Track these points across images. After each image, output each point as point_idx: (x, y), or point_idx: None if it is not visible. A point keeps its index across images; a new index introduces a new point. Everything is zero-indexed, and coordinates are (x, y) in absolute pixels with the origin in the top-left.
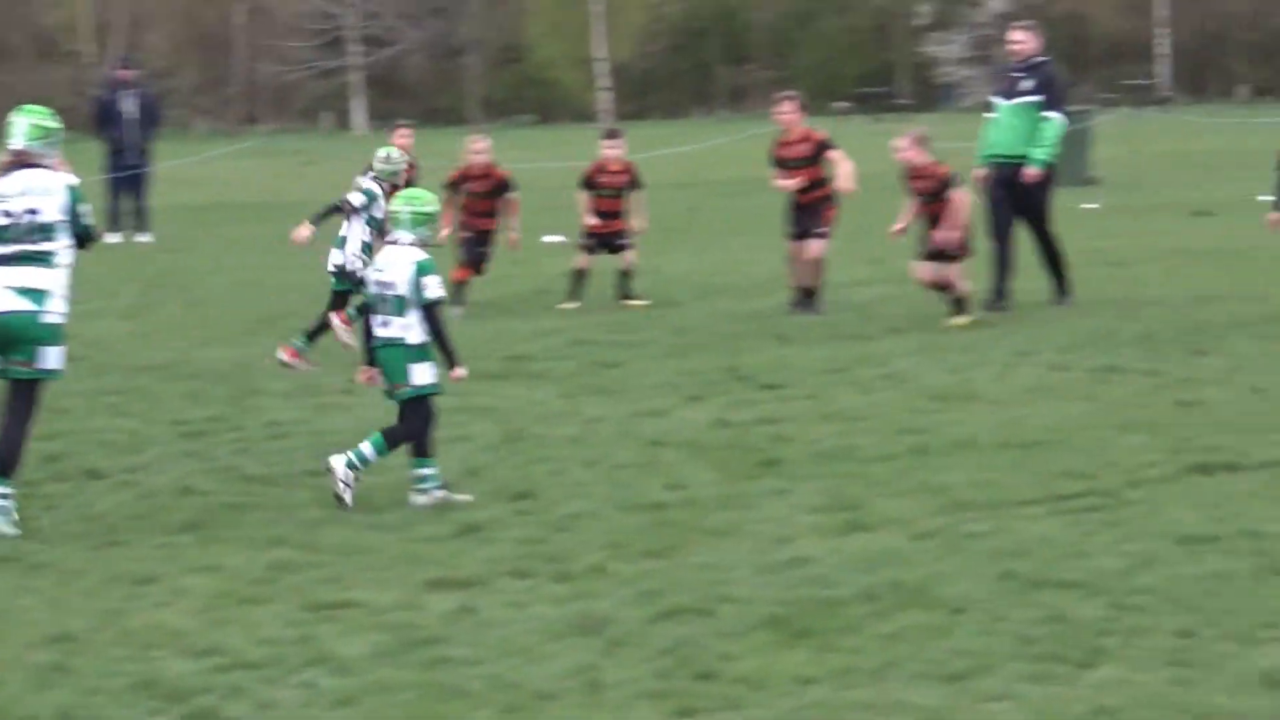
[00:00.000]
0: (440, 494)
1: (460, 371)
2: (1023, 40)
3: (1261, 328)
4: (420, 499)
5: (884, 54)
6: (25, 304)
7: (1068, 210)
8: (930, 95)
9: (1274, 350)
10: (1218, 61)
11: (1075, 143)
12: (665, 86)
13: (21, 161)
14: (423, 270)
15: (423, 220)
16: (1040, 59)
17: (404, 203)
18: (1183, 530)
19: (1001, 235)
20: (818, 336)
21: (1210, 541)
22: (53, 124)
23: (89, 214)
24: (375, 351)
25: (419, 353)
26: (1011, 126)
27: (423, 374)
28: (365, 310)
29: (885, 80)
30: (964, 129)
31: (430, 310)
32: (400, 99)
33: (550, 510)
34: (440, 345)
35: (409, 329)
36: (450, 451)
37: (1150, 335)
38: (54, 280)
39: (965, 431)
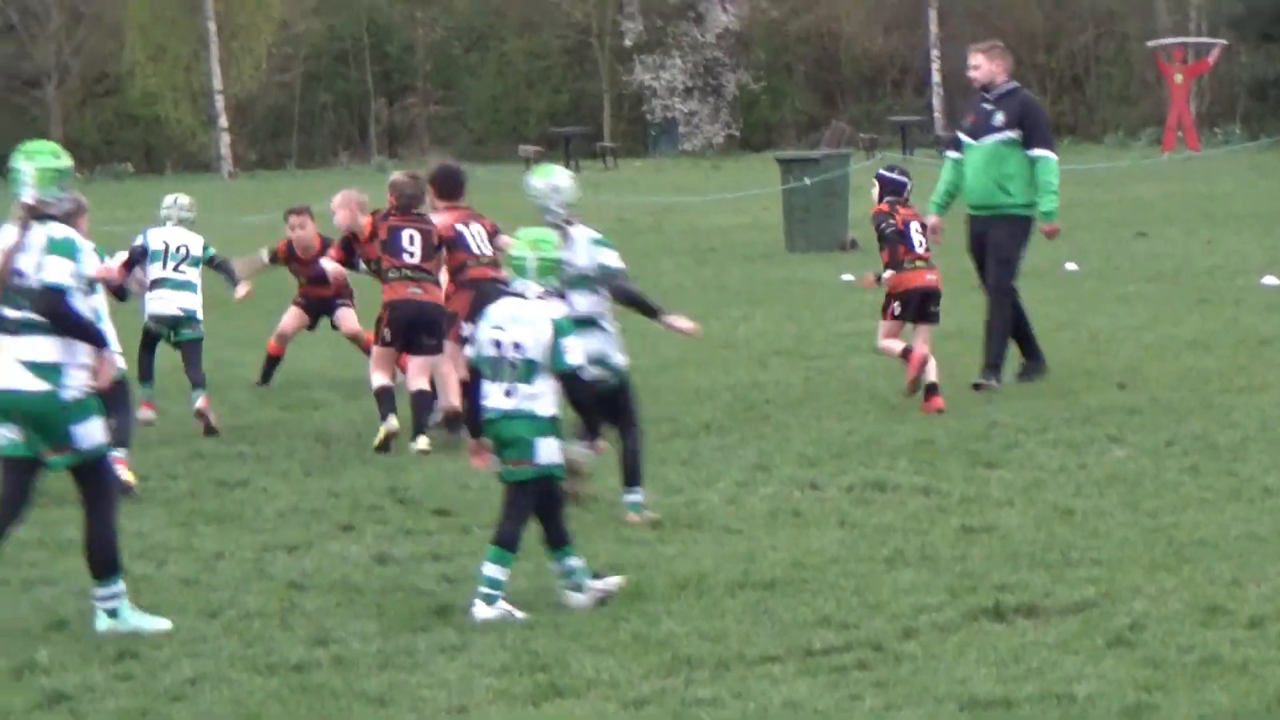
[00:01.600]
0: (604, 583)
1: (602, 444)
2: (978, 65)
3: (1064, 430)
4: (579, 598)
5: (582, 83)
6: (39, 382)
7: (820, 285)
8: (642, 134)
9: (1079, 460)
10: None
11: (828, 196)
12: (303, 126)
13: (36, 215)
14: (562, 331)
15: (551, 268)
16: (1010, 86)
17: (528, 248)
18: (971, 692)
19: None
20: None
21: (1005, 707)
22: (63, 163)
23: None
24: (491, 424)
25: (549, 426)
26: (984, 170)
27: (550, 451)
28: (474, 375)
29: (585, 117)
30: (682, 178)
31: (571, 378)
32: None
33: (160, 674)
34: (583, 416)
35: (538, 399)
36: (26, 599)
37: (924, 442)
38: (68, 350)
39: (689, 568)
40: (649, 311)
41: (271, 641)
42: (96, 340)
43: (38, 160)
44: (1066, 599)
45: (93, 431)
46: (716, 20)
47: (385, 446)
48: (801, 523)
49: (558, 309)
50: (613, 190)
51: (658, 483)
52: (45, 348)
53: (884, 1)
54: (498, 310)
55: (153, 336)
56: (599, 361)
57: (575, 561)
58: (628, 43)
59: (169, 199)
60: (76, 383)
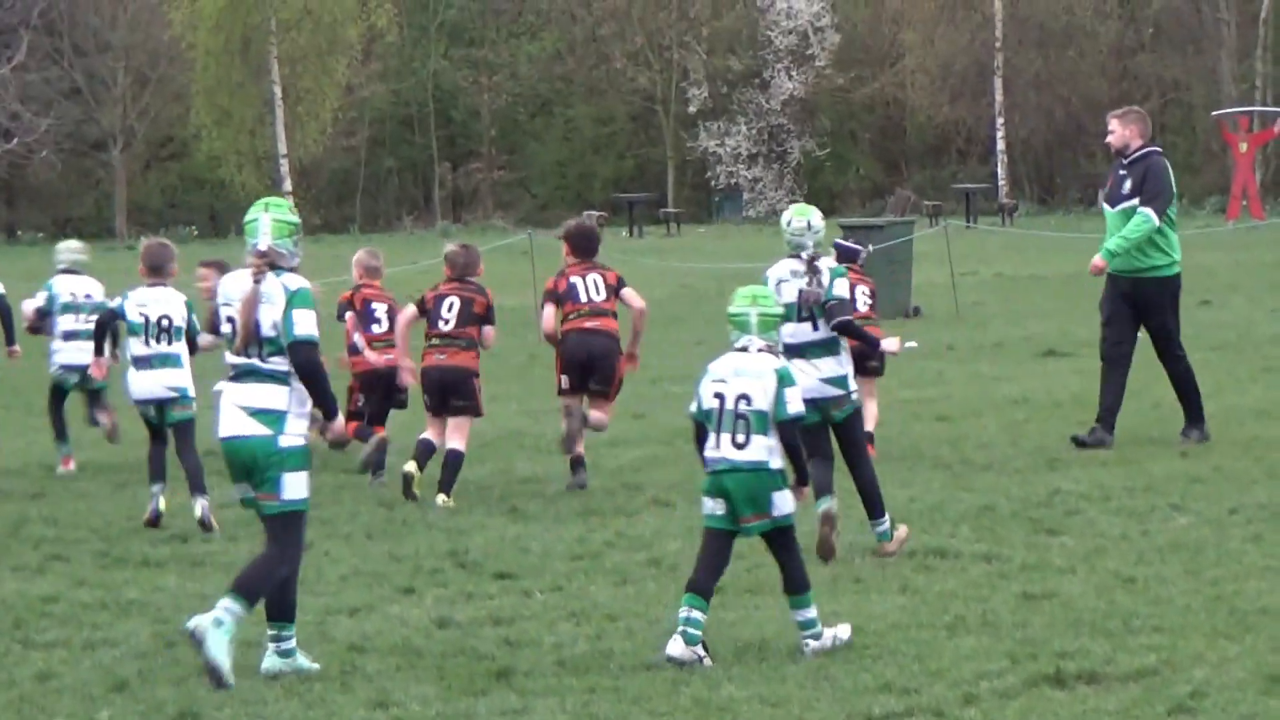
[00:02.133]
0: (835, 633)
1: (807, 491)
2: (1113, 130)
3: (1126, 498)
4: (815, 644)
5: (646, 149)
6: (259, 428)
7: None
8: (706, 200)
9: (1142, 528)
10: (1070, 160)
11: (891, 263)
12: (367, 191)
13: (269, 264)
14: (785, 381)
15: (771, 323)
16: (1143, 151)
17: (748, 303)
18: None
19: (1109, 356)
20: (564, 512)
21: None
22: (297, 219)
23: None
24: (718, 475)
25: (782, 478)
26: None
27: (785, 502)
28: (700, 427)
29: (649, 183)
30: (746, 244)
31: (791, 427)
32: (25, 205)
33: None
34: (795, 464)
35: (773, 451)
36: (89, 660)
37: (986, 509)
38: (295, 399)
39: (751, 633)
40: (865, 340)
41: (332, 704)
42: (332, 398)
43: (274, 212)
44: (1128, 666)
45: (300, 484)
46: (782, 87)
47: (406, 489)
48: (863, 589)
49: (779, 361)
50: (677, 256)
51: None
52: (271, 395)
53: (950, 70)
54: (720, 365)
55: (61, 391)
56: (836, 381)
57: (812, 613)
58: (692, 109)
59: (60, 246)
60: (295, 430)
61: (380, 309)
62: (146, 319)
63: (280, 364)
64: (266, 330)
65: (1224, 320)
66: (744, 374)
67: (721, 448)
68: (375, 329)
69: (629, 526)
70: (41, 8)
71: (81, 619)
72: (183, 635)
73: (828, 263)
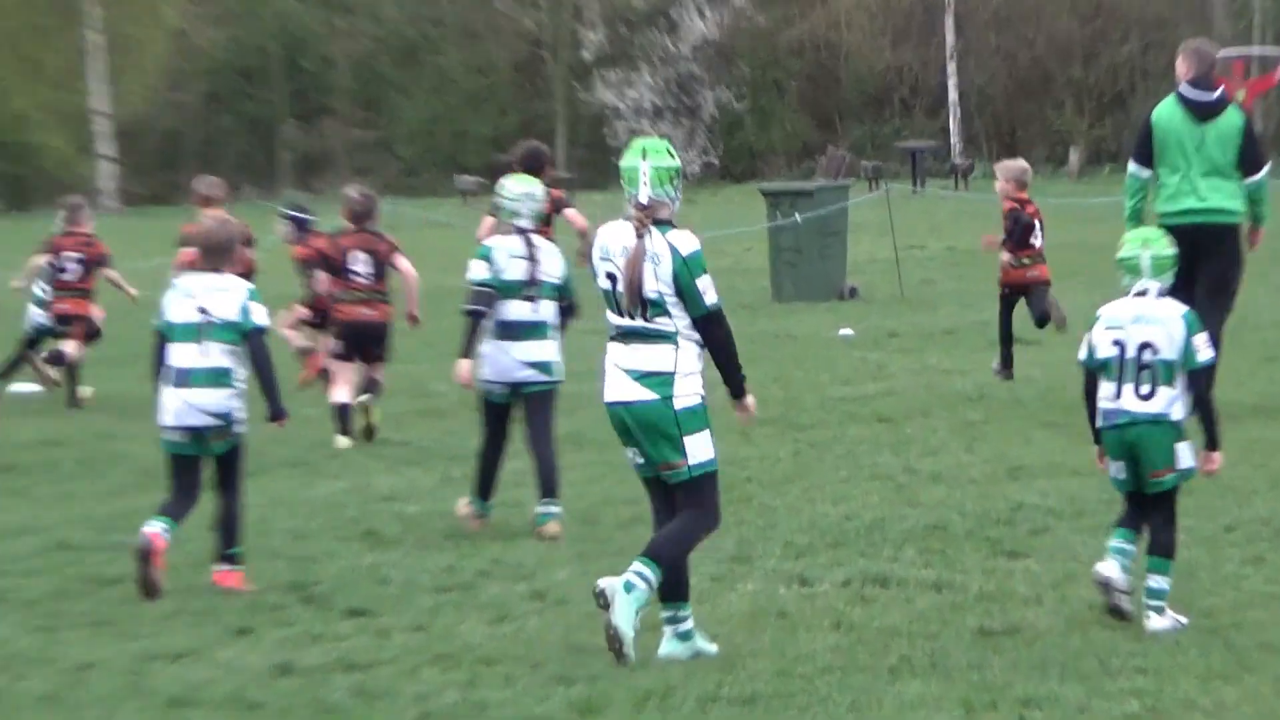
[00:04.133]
0: (1178, 617)
1: (1219, 458)
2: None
3: (1103, 513)
4: (1156, 619)
5: (532, 104)
6: (649, 393)
7: (812, 340)
8: (603, 164)
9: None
10: (1035, 113)
11: (824, 235)
12: (202, 155)
13: (651, 217)
14: (1194, 328)
15: (1168, 264)
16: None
17: (1139, 245)
18: None
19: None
20: (430, 535)
21: None
22: (677, 162)
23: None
24: (1121, 429)
25: (1183, 431)
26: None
27: (1186, 455)
28: (1091, 377)
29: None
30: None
31: (1202, 376)
32: None
33: None
34: (1205, 416)
35: (1175, 402)
36: None
37: (936, 528)
38: (684, 359)
39: (653, 679)
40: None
41: None
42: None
43: (653, 158)
44: (1106, 715)
45: (707, 445)
46: (693, 29)
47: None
48: (789, 625)
49: (1183, 305)
50: (568, 229)
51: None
52: (656, 355)
53: (892, 8)
54: (1115, 310)
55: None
56: (539, 366)
57: (1167, 582)
58: (587, 56)
59: None
60: (686, 392)
61: (356, 258)
62: None
63: (666, 325)
64: (649, 292)
65: None
66: (1146, 320)
67: (1123, 399)
68: (357, 279)
69: (507, 552)
70: None
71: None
72: (594, 594)
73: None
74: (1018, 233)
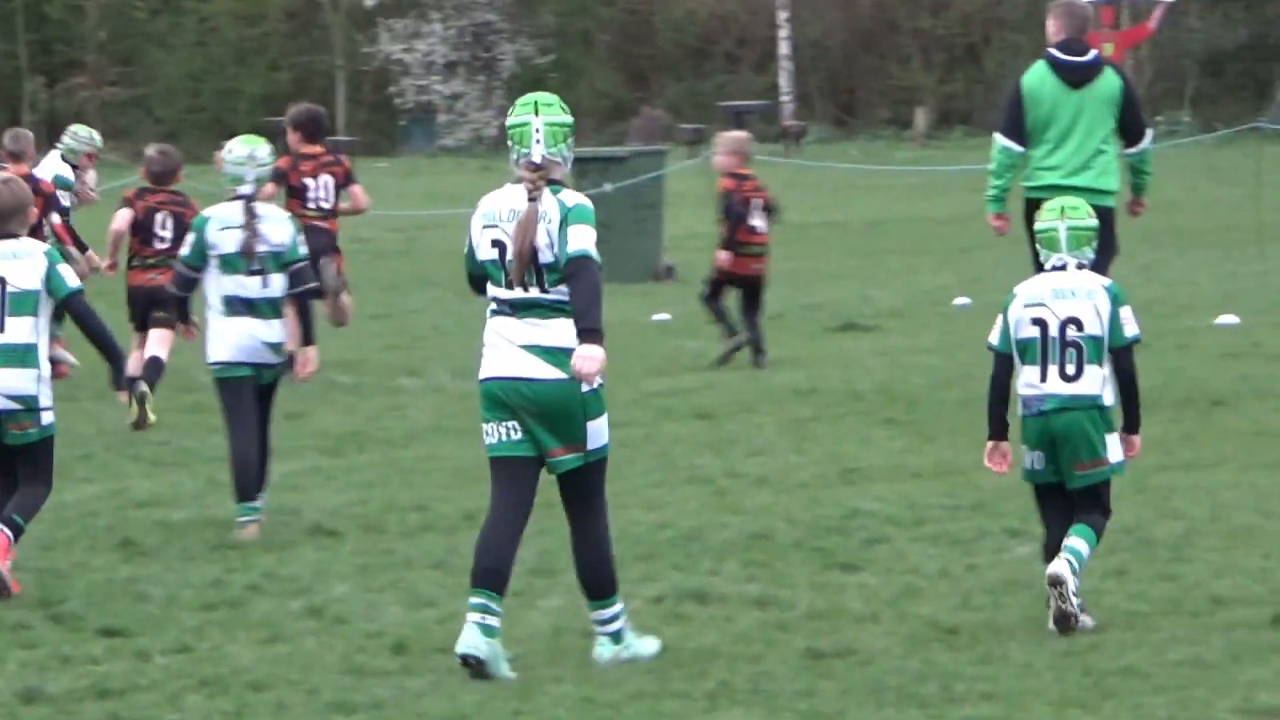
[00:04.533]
0: (1086, 621)
1: (1138, 443)
2: None
3: (947, 521)
4: (1086, 618)
5: (308, 58)
6: (553, 370)
7: (624, 326)
8: (389, 125)
9: (968, 561)
10: (877, 69)
11: (637, 207)
12: None
13: (544, 179)
14: (1119, 300)
15: (1087, 237)
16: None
17: (1055, 216)
18: None
19: None
20: (194, 546)
21: None
22: (570, 119)
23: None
24: (1044, 416)
25: (1112, 420)
26: None
27: (1116, 448)
28: (1002, 363)
29: (313, 102)
30: (442, 183)
31: (1129, 353)
32: None
33: None
34: (1130, 396)
35: (1105, 384)
36: None
37: (760, 537)
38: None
39: (444, 707)
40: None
41: None
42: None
43: (546, 114)
44: None
45: (604, 431)
46: None
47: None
48: (590, 643)
49: (1105, 278)
50: (347, 199)
51: (401, 592)
52: (558, 330)
53: None
54: (1032, 287)
55: None
56: (273, 347)
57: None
58: (369, 3)
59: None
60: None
61: (159, 220)
62: None
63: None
64: (546, 256)
65: None
66: (1067, 295)
67: (1048, 382)
68: (158, 245)
69: (281, 564)
70: None
71: None
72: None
73: (271, 210)
74: (733, 217)
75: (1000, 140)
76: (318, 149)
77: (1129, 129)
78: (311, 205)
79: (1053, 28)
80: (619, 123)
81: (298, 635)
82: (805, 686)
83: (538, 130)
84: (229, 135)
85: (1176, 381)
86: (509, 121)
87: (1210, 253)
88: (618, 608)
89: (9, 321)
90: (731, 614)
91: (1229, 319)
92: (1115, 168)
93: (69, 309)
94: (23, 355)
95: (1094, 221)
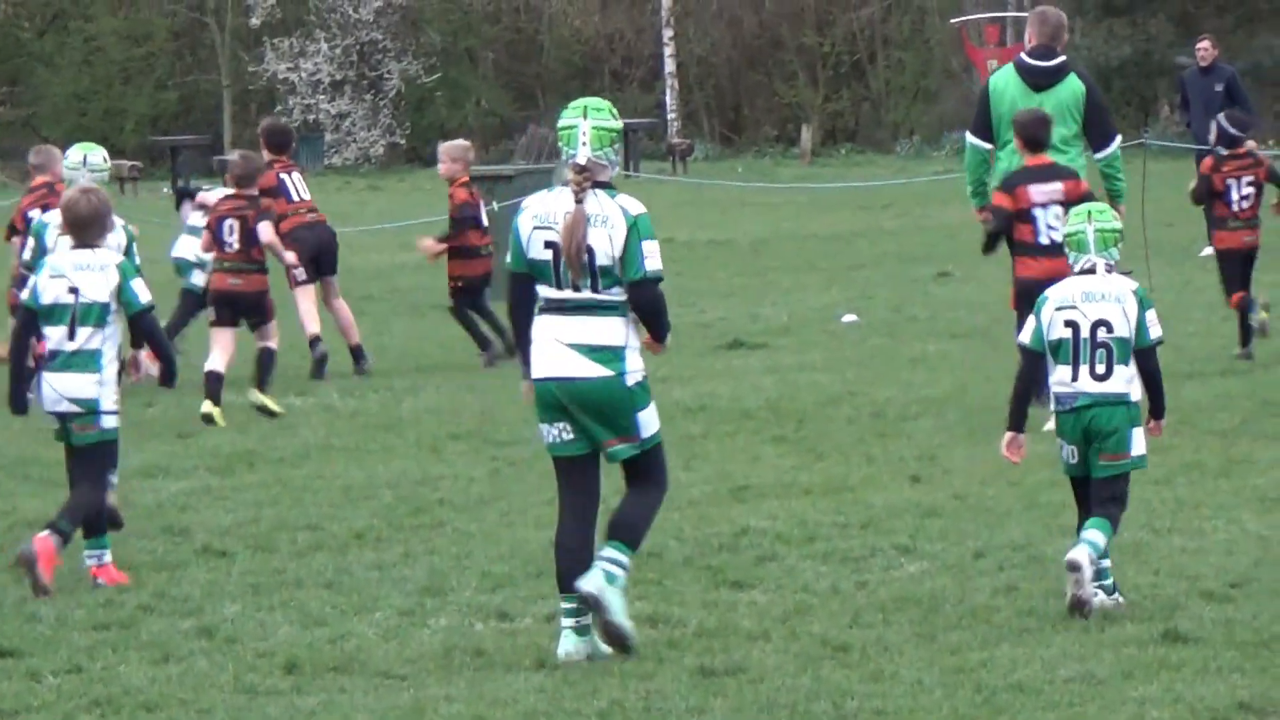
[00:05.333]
0: (1118, 598)
1: (1163, 425)
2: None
3: (837, 539)
4: (1105, 600)
5: (195, 77)
6: (600, 368)
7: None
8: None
9: (858, 578)
10: (763, 86)
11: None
12: None
13: (590, 181)
14: (1146, 304)
15: (1113, 239)
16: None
17: (1083, 219)
18: None
19: None
20: (85, 565)
21: None
22: (619, 125)
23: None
24: (1078, 411)
25: (1138, 414)
26: None
27: (1140, 441)
28: (1031, 360)
29: (199, 122)
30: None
31: (1154, 354)
32: None
33: None
34: (1156, 389)
35: (1132, 381)
36: None
37: (650, 555)
38: (632, 333)
39: None
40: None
41: None
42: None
43: (594, 117)
44: None
45: (655, 417)
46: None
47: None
48: (486, 664)
49: (1133, 281)
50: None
51: (292, 611)
52: (607, 329)
53: None
54: (1063, 290)
55: None
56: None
57: (1108, 562)
58: (255, 22)
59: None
60: (637, 366)
61: (227, 226)
62: None
63: (617, 296)
64: (603, 259)
65: (969, 298)
66: (1097, 298)
67: (1079, 380)
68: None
69: (172, 584)
70: None
71: None
72: (579, 602)
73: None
74: (464, 223)
75: (969, 138)
76: (284, 156)
77: (1094, 133)
78: (295, 199)
79: (1027, 34)
80: (506, 141)
81: (189, 655)
82: (697, 704)
83: (584, 133)
84: (116, 154)
85: None
86: (559, 124)
87: None
88: (624, 559)
89: (79, 331)
90: None
91: None
92: (1079, 171)
93: (139, 325)
94: (87, 361)
95: (1119, 224)
